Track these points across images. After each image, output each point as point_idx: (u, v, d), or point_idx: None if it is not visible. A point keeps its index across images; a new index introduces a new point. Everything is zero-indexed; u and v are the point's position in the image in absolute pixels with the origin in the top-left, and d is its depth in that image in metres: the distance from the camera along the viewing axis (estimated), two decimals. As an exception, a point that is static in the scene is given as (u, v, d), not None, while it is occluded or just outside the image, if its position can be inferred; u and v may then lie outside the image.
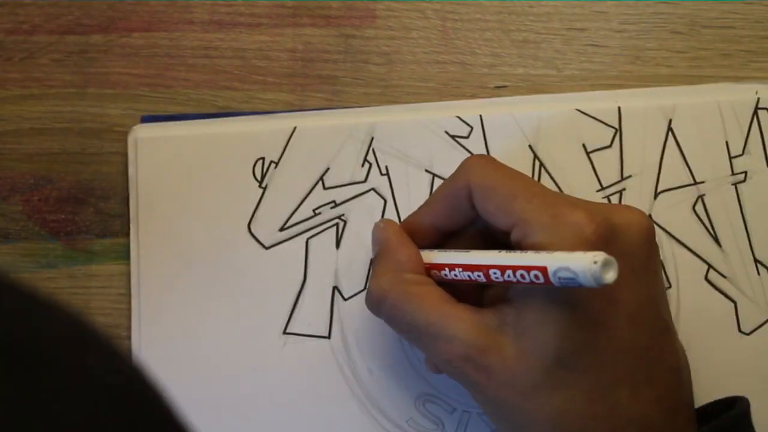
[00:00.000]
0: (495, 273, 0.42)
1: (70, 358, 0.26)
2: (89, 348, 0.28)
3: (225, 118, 0.53)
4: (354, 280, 0.52)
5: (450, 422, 0.51)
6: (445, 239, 0.48)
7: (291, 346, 0.51)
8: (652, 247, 0.45)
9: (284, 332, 0.52)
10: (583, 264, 0.38)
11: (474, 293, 0.47)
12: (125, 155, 0.53)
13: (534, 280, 0.41)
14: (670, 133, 0.51)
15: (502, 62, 0.53)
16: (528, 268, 0.41)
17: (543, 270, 0.40)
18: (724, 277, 0.50)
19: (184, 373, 0.51)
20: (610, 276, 0.38)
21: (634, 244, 0.43)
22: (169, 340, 0.52)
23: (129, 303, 0.52)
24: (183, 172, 0.52)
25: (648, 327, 0.44)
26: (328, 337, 0.51)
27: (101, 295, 0.53)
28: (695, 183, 0.51)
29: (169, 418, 0.28)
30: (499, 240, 0.45)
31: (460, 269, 0.45)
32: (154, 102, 0.53)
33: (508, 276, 0.42)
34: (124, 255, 0.53)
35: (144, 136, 0.53)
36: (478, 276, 0.44)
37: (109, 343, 0.28)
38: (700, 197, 0.51)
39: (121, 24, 0.54)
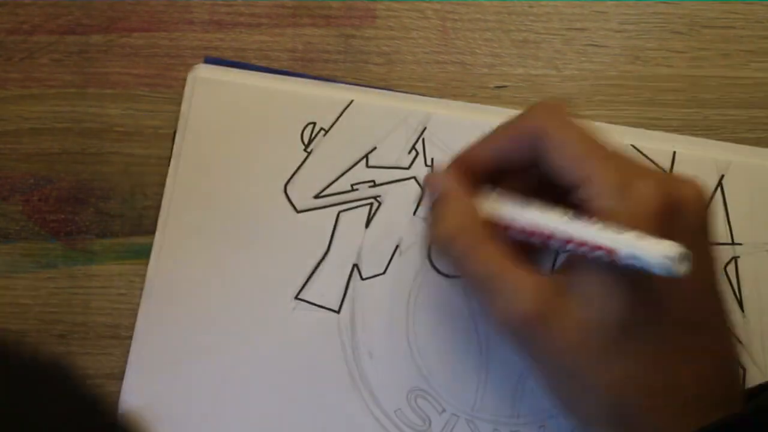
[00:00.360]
0: (559, 242, 0.42)
1: None
2: None
3: (286, 77, 0.53)
4: (375, 261, 0.52)
5: (437, 422, 0.51)
6: (500, 176, 0.47)
7: (300, 312, 0.51)
8: (708, 222, 0.44)
9: (296, 297, 0.52)
10: (658, 258, 0.38)
11: (534, 248, 0.47)
12: (126, 155, 0.53)
13: (601, 256, 0.40)
14: (719, 188, 0.51)
15: (502, 62, 0.53)
16: (596, 247, 0.40)
17: (611, 252, 0.40)
18: (740, 342, 0.50)
19: (192, 310, 0.52)
20: (684, 268, 0.38)
21: (694, 219, 0.43)
22: (185, 277, 0.52)
23: (130, 303, 0.52)
24: (234, 119, 0.53)
25: (707, 301, 0.44)
26: (338, 311, 0.51)
27: (101, 295, 0.52)
28: (732, 243, 0.51)
29: None
30: (557, 189, 0.45)
31: (523, 229, 0.44)
32: (153, 102, 0.53)
33: (574, 248, 0.42)
34: (124, 255, 0.53)
35: (203, 76, 0.53)
36: (540, 239, 0.43)
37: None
38: (734, 258, 0.51)
39: (121, 24, 0.54)
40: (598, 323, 0.42)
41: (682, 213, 0.42)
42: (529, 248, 0.46)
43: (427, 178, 0.50)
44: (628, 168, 0.43)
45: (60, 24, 0.54)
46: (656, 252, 0.38)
